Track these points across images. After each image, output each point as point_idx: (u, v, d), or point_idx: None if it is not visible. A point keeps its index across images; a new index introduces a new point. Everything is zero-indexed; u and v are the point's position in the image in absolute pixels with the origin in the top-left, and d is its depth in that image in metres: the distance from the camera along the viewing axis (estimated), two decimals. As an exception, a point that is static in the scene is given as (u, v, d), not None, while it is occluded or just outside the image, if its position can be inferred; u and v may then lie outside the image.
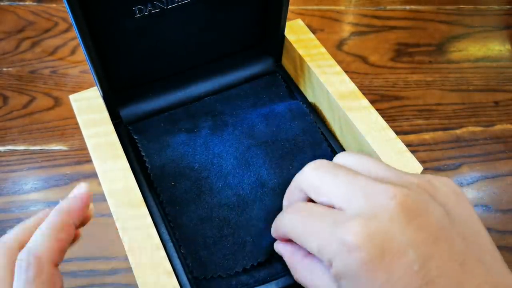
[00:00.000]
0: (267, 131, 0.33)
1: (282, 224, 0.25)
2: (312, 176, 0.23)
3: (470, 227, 0.20)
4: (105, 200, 0.28)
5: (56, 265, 0.23)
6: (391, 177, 0.21)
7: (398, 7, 0.64)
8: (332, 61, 0.36)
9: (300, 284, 0.25)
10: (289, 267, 0.25)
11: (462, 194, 0.21)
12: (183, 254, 0.28)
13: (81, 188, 0.26)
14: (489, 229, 0.25)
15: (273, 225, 0.26)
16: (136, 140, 0.33)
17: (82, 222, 0.26)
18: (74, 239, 0.25)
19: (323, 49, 0.37)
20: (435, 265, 0.18)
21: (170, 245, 0.28)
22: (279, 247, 0.26)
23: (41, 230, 0.23)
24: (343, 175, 0.22)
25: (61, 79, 0.53)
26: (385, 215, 0.19)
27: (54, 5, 0.61)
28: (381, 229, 0.19)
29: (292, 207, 0.24)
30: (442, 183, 0.21)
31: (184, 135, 0.33)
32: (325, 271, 0.22)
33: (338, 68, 0.36)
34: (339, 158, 0.25)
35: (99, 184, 0.29)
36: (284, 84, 0.37)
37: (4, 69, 0.52)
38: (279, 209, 0.28)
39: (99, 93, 0.32)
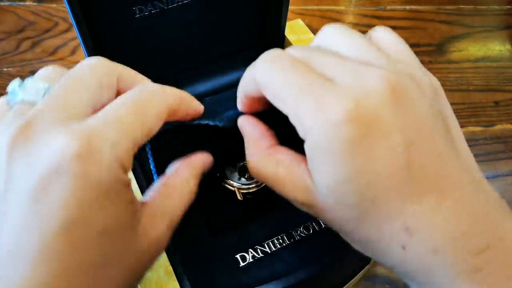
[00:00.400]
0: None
1: (256, 72, 0.21)
2: (297, 54, 0.21)
3: (449, 122, 0.21)
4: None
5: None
6: (383, 63, 0.21)
7: (398, 7, 0.64)
8: (332, 61, 0.36)
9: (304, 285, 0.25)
10: (248, 155, 0.23)
11: (442, 91, 0.22)
12: None
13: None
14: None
15: (244, 75, 0.23)
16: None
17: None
18: None
19: (323, 49, 0.37)
20: (417, 150, 0.19)
21: (170, 245, 0.28)
22: (241, 121, 0.24)
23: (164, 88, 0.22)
24: (331, 57, 0.20)
25: (61, 79, 0.53)
26: (376, 96, 0.19)
27: (54, 5, 0.61)
28: (371, 109, 0.18)
29: (273, 54, 0.21)
30: (429, 78, 0.22)
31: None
32: (296, 164, 0.21)
33: (338, 68, 0.36)
34: (325, 37, 0.22)
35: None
36: (284, 84, 0.37)
37: (4, 69, 0.52)
38: None
39: (99, 93, 0.32)
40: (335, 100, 0.18)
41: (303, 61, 0.20)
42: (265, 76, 0.21)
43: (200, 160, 0.25)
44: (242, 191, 0.31)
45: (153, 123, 0.21)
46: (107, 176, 0.18)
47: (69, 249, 0.18)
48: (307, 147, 0.19)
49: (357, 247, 0.21)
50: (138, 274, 0.21)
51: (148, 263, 0.21)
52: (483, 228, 0.19)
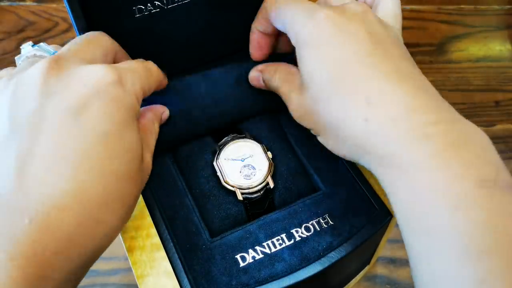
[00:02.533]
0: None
1: (267, 4, 0.30)
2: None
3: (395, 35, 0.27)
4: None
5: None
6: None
7: (399, 7, 0.64)
8: (333, 61, 0.36)
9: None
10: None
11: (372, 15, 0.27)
12: None
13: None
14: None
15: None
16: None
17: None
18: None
19: (323, 49, 0.37)
20: (379, 43, 0.25)
21: (170, 245, 0.28)
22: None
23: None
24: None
25: (61, 79, 0.53)
26: (348, 9, 0.26)
27: (54, 5, 0.61)
28: (343, 17, 0.26)
29: None
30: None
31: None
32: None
33: (338, 68, 0.36)
34: None
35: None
36: (284, 84, 0.37)
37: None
38: None
39: (99, 93, 0.32)
40: (320, 9, 0.26)
41: None
42: (272, 3, 0.29)
43: (159, 108, 0.30)
44: (242, 191, 0.30)
45: (153, 82, 0.26)
46: (131, 103, 0.23)
47: (106, 158, 0.21)
48: (297, 46, 0.26)
49: (325, 135, 0.26)
50: (137, 197, 0.24)
51: (141, 187, 0.25)
52: (433, 108, 0.23)
